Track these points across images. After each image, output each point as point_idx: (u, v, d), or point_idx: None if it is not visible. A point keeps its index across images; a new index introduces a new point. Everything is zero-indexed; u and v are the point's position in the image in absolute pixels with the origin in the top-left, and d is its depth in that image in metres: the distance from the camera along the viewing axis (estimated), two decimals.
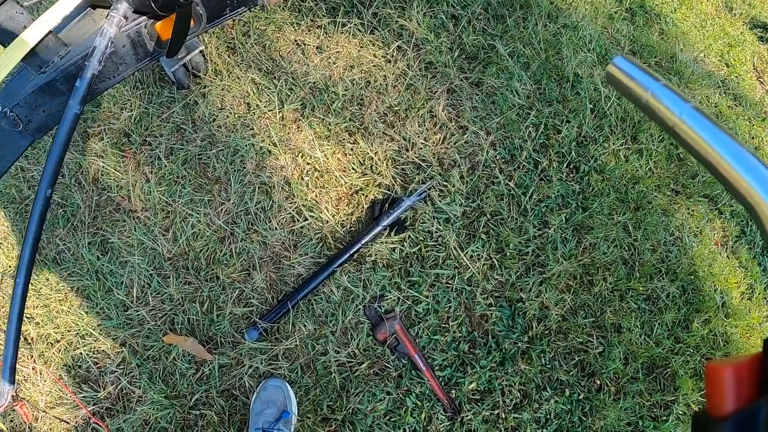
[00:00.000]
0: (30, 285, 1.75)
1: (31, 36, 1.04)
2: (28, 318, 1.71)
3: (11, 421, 1.57)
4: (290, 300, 1.44)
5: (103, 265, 1.63)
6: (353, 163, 1.60)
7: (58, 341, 1.59)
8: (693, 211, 1.77)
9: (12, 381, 1.26)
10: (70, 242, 1.73)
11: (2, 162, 1.13)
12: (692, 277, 1.67)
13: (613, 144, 1.74)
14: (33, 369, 1.62)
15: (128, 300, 1.56)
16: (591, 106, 1.77)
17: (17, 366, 1.64)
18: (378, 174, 1.58)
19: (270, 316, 1.44)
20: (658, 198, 1.73)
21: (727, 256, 1.77)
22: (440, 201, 1.55)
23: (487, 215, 1.57)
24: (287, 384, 1.42)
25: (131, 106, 1.76)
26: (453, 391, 1.47)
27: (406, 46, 1.77)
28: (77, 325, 1.60)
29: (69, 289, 1.67)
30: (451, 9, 1.89)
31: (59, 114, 1.13)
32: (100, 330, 1.58)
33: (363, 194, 1.56)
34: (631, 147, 1.77)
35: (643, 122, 1.80)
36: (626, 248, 1.64)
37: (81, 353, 1.57)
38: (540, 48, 1.86)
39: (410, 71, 1.73)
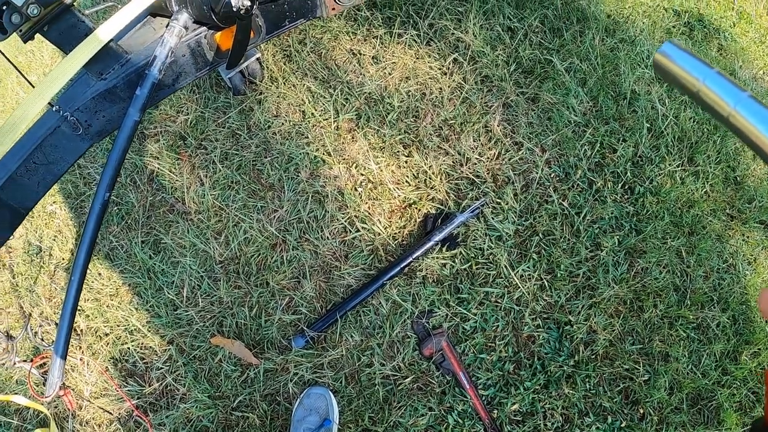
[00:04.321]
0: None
1: (102, 35, 1.06)
2: (79, 311, 1.76)
3: (56, 407, 1.63)
4: (339, 310, 1.46)
5: (155, 264, 1.67)
6: (407, 176, 1.60)
7: (107, 335, 1.64)
8: (748, 237, 1.73)
9: (61, 373, 1.30)
10: (124, 240, 1.78)
11: (62, 163, 1.16)
12: (744, 306, 1.63)
13: (669, 165, 1.71)
14: (81, 360, 1.68)
15: (178, 299, 1.60)
16: (648, 125, 1.74)
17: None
18: (431, 188, 1.58)
19: (318, 325, 1.46)
20: (713, 223, 1.69)
21: None
22: (493, 218, 1.55)
23: (540, 234, 1.56)
24: (331, 393, 1.44)
25: (188, 110, 1.80)
26: (495, 411, 1.47)
27: (462, 58, 1.76)
28: (127, 320, 1.65)
29: (120, 285, 1.72)
30: (508, 21, 1.87)
31: (118, 119, 1.16)
32: (149, 327, 1.62)
33: (416, 208, 1.57)
34: (688, 169, 1.73)
35: (701, 143, 1.76)
36: (678, 274, 1.61)
37: (129, 348, 1.62)
38: (597, 63, 1.82)
39: (466, 84, 1.72)
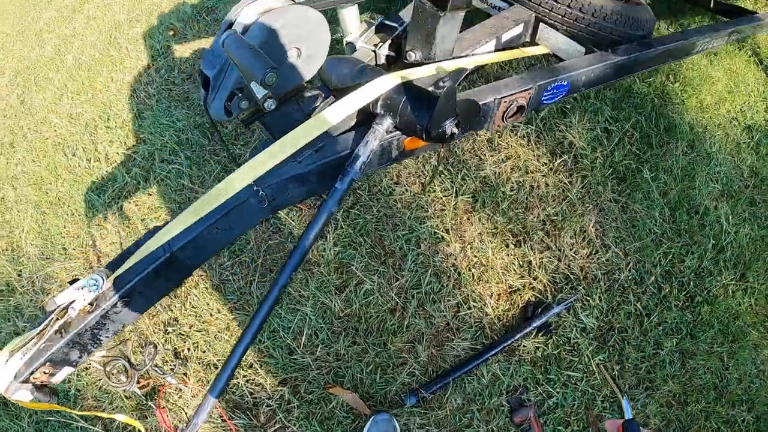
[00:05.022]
0: (191, 307, 1.94)
1: (331, 117, 1.16)
2: (185, 336, 1.91)
3: (147, 422, 1.79)
4: (449, 376, 1.70)
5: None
6: (514, 264, 1.84)
7: (215, 366, 1.81)
8: None
9: (209, 414, 1.40)
10: (236, 275, 1.95)
11: (239, 229, 1.25)
12: (767, 408, 1.97)
13: (725, 279, 2.00)
14: (184, 383, 1.82)
15: (294, 344, 1.79)
16: (713, 242, 2.01)
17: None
18: (534, 278, 1.83)
19: (430, 387, 1.70)
20: (752, 333, 1.99)
21: None
22: (581, 312, 1.81)
23: (616, 331, 1.83)
24: (395, 419, 1.68)
25: None
26: None
27: (567, 157, 1.98)
28: None
29: (231, 319, 1.88)
30: (606, 123, 2.09)
31: (299, 198, 1.27)
32: (261, 365, 1.80)
33: (519, 294, 1.81)
34: (739, 284, 2.02)
35: (753, 261, 2.05)
36: (719, 376, 1.92)
37: (238, 382, 1.79)
38: (678, 176, 2.07)
39: (569, 185, 1.95)
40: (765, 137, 2.34)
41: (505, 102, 1.33)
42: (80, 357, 1.16)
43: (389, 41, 1.53)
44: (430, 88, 1.14)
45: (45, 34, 3.28)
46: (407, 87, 1.18)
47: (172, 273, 1.20)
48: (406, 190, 1.92)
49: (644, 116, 2.17)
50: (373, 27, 1.57)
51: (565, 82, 1.42)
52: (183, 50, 2.86)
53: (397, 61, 1.54)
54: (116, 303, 1.12)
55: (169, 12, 3.14)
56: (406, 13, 1.56)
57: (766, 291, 2.05)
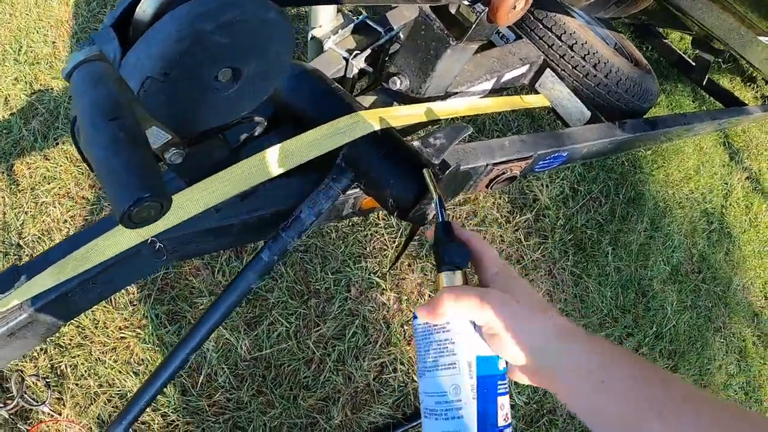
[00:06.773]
0: (74, 319, 1.59)
1: (276, 165, 0.83)
2: (64, 348, 1.55)
3: None
4: None
5: (166, 334, 1.55)
6: None
7: (97, 395, 1.49)
8: None
9: None
10: (132, 289, 1.60)
11: (125, 281, 0.93)
12: None
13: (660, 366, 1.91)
14: (66, 418, 1.48)
15: (189, 383, 1.50)
16: (655, 328, 1.92)
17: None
18: None
19: None
20: None
21: None
22: (514, 391, 1.64)
23: (545, 411, 1.68)
24: None
25: None
26: None
27: (529, 213, 1.80)
28: (122, 384, 1.51)
29: (119, 339, 1.55)
30: (575, 181, 1.94)
31: (212, 250, 1.00)
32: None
33: None
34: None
35: (686, 352, 1.98)
36: None
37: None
38: (634, 253, 1.96)
39: (525, 242, 1.77)
40: (719, 224, 2.29)
41: (498, 169, 1.09)
42: None
43: (368, 50, 1.18)
44: (416, 144, 0.86)
45: None
46: (387, 142, 0.84)
47: (32, 334, 0.86)
48: (349, 219, 1.66)
49: (613, 181, 2.04)
50: (351, 25, 1.23)
51: (565, 153, 1.21)
52: None
53: (372, 80, 1.24)
54: None
55: None
56: (393, 17, 1.25)
57: (692, 381, 1.99)
